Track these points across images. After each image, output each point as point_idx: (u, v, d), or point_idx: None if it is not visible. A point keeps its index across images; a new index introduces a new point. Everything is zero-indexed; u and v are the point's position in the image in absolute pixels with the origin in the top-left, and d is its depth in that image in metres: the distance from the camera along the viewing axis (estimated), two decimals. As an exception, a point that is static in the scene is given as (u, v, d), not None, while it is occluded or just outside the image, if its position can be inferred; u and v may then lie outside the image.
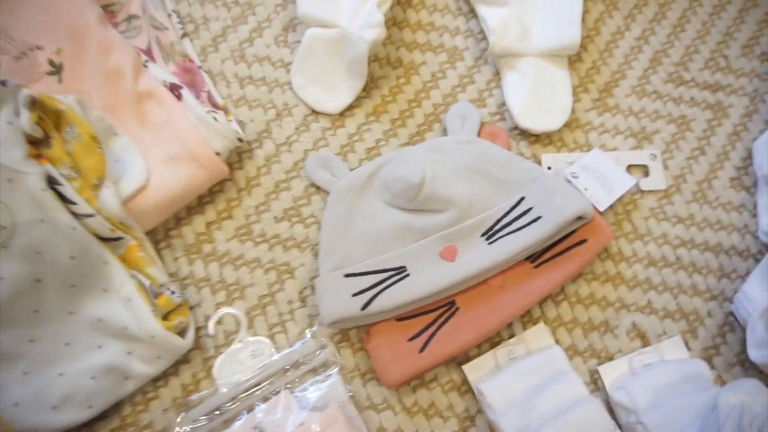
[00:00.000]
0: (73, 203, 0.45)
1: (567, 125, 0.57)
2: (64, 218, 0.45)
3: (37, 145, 0.46)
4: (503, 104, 0.57)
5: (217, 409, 0.48)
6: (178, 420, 0.48)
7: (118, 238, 0.48)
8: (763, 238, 0.54)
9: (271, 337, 0.51)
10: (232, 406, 0.48)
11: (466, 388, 0.50)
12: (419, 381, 0.50)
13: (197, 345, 0.50)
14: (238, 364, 0.49)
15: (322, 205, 0.54)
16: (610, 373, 0.50)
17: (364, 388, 0.50)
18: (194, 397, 0.48)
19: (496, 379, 0.48)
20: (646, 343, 0.52)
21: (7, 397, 0.44)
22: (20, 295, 0.45)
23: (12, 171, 0.44)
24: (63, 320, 0.46)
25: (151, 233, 0.52)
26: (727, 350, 0.52)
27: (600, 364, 0.51)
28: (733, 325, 0.53)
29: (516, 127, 0.57)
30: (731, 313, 0.53)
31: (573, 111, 0.57)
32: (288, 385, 0.49)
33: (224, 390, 0.48)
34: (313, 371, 0.49)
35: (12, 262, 0.44)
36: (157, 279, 0.49)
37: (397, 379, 0.47)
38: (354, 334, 0.51)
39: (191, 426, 0.47)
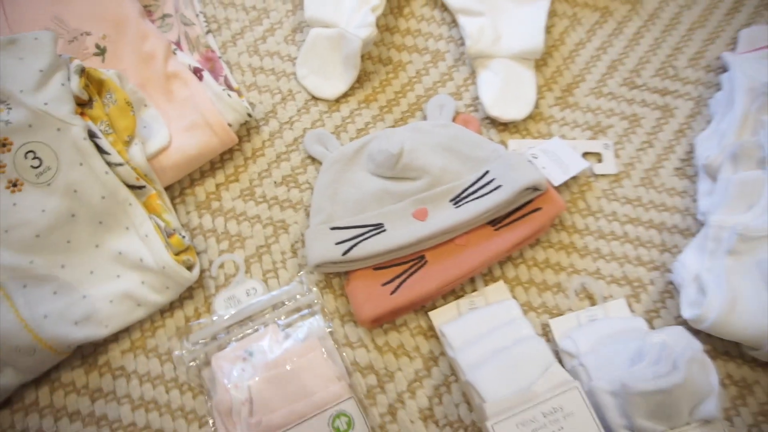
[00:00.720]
0: (107, 153, 0.55)
1: (531, 117, 0.66)
2: (99, 164, 0.54)
3: (82, 106, 0.56)
4: (477, 98, 0.66)
5: (213, 336, 0.55)
6: (179, 343, 0.55)
7: (142, 187, 0.57)
8: (700, 218, 0.61)
9: (265, 281, 0.59)
10: (227, 334, 0.55)
11: (432, 333, 0.57)
12: (391, 325, 0.57)
13: (200, 284, 0.58)
14: (234, 300, 0.57)
15: (316, 174, 0.63)
16: (559, 327, 0.57)
17: (342, 328, 0.57)
18: (194, 323, 0.56)
19: (456, 322, 0.55)
20: (593, 303, 0.59)
21: (38, 310, 0.52)
22: (57, 226, 0.53)
23: (61, 122, 0.53)
24: (90, 251, 0.55)
25: (168, 189, 0.61)
26: (667, 314, 0.58)
27: (551, 318, 0.58)
28: (673, 293, 0.59)
29: (487, 117, 0.65)
30: (671, 283, 0.60)
31: (537, 106, 0.66)
32: (276, 320, 0.56)
33: (221, 321, 0.56)
34: (298, 310, 0.57)
35: (53, 197, 0.53)
36: (171, 223, 0.57)
37: (370, 315, 0.54)
38: (336, 282, 0.59)
39: (190, 348, 0.54)
